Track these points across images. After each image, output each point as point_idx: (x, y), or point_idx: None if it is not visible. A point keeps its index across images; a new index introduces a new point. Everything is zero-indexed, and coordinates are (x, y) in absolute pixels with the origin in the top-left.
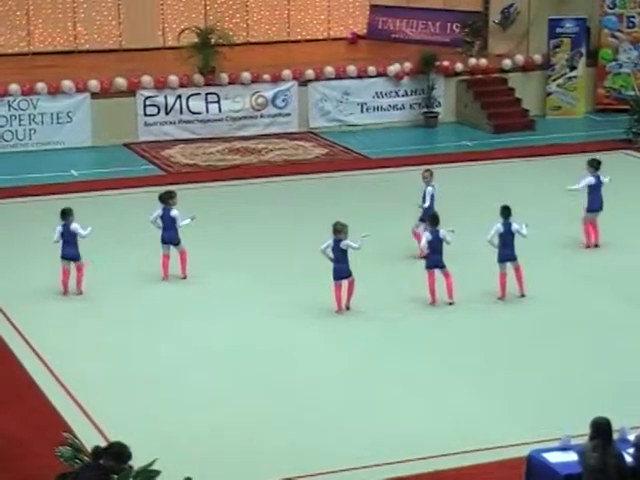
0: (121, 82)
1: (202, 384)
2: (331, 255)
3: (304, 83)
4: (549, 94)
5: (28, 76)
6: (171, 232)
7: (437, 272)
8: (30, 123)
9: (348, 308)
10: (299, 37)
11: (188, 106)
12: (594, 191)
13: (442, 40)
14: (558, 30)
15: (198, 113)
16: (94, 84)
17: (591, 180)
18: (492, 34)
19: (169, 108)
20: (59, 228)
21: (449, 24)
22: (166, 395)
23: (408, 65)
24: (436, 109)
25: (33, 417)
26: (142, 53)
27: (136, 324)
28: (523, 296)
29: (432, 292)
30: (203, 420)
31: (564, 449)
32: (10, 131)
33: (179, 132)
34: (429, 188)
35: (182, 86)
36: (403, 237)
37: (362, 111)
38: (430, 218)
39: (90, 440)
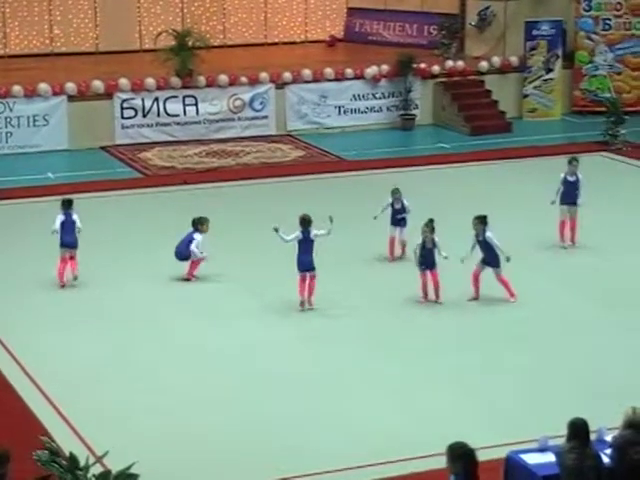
0: (98, 85)
1: (183, 386)
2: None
3: (281, 86)
4: (526, 96)
5: (4, 79)
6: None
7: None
8: (6, 126)
9: (310, 304)
10: (276, 40)
11: (165, 109)
12: (569, 186)
13: (419, 42)
14: (534, 32)
15: (175, 116)
16: (71, 87)
17: (561, 176)
18: (469, 36)
19: (146, 111)
20: (60, 217)
21: (426, 26)
22: (145, 397)
23: (385, 67)
24: (413, 111)
25: (10, 421)
26: (119, 56)
27: (116, 326)
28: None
29: (426, 291)
30: (184, 423)
31: (542, 450)
32: None
33: (156, 135)
34: (403, 202)
35: (159, 89)
36: (379, 238)
37: (339, 113)
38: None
39: (68, 444)
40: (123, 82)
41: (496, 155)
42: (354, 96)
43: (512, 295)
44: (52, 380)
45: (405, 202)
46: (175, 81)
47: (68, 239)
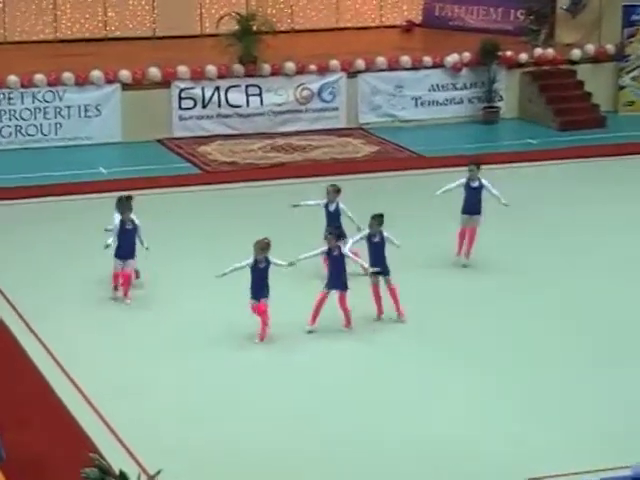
0: (155, 72)
1: (229, 400)
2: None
3: (353, 74)
4: (622, 88)
5: (54, 65)
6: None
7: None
8: (56, 116)
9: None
10: (348, 24)
11: (227, 99)
12: (471, 193)
13: (505, 28)
14: (633, 18)
15: (238, 106)
16: (125, 74)
17: (463, 181)
18: (560, 22)
19: (206, 101)
20: (117, 216)
21: (512, 10)
22: (196, 413)
23: (467, 55)
24: (497, 104)
25: (58, 436)
26: (178, 41)
27: (167, 340)
28: None
29: (317, 312)
30: (238, 443)
31: (635, 478)
32: (34, 125)
33: (217, 127)
34: (338, 205)
35: (221, 77)
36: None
37: (416, 105)
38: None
39: (118, 461)
40: (182, 70)
41: (588, 152)
42: (432, 86)
43: (400, 313)
44: (102, 394)
45: (342, 205)
46: (238, 69)
47: None
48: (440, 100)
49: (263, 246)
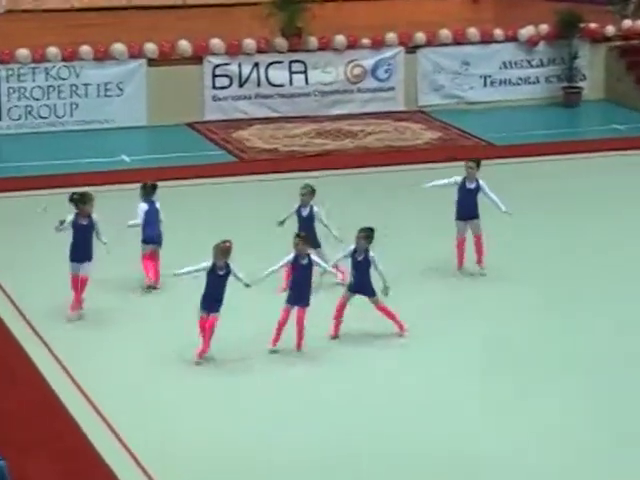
0: (185, 46)
1: (258, 419)
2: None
3: (413, 50)
4: None
5: (70, 37)
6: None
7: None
8: (72, 95)
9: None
10: None
11: (267, 77)
12: (466, 195)
13: None
14: None
15: (279, 86)
16: (151, 48)
17: (457, 179)
18: None
19: (243, 79)
20: (143, 206)
21: None
22: (212, 426)
23: (544, 28)
24: (579, 83)
25: (74, 463)
26: (211, 10)
27: (173, 339)
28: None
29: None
30: (250, 453)
31: None
32: (47, 106)
33: (255, 109)
34: (312, 209)
35: (260, 52)
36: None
37: (485, 85)
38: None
39: None
40: (215, 43)
41: None
42: (504, 63)
43: (402, 328)
44: (119, 414)
45: (316, 209)
46: (280, 43)
47: (154, 233)
48: (513, 79)
49: (224, 250)
